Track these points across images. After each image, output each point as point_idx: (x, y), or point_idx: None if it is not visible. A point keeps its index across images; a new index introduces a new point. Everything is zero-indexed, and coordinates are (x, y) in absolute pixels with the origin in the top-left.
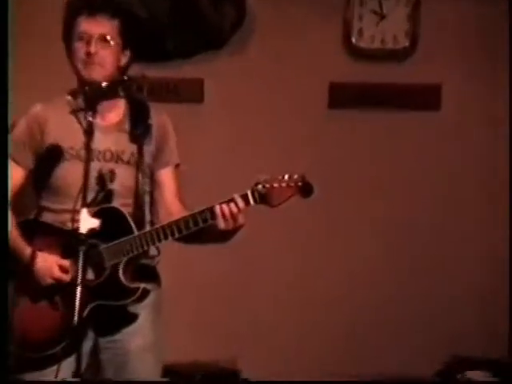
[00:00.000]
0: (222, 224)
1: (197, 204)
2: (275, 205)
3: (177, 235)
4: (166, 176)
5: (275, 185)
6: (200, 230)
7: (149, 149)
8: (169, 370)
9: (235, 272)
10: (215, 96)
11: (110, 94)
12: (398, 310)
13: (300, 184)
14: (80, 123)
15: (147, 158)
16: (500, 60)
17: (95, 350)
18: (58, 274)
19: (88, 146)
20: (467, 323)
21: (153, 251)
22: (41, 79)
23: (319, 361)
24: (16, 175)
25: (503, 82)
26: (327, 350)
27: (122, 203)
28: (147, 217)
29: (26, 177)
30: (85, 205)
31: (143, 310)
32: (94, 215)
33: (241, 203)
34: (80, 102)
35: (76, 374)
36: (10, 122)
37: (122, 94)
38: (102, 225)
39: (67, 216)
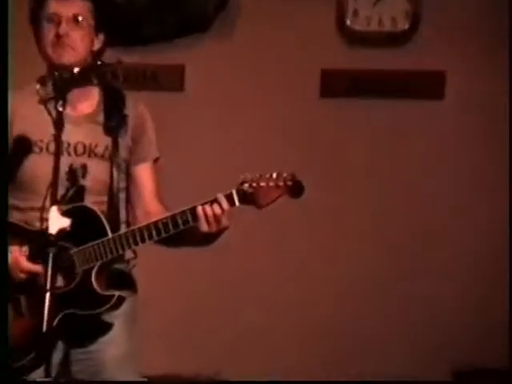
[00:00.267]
0: (204, 226)
1: (177, 204)
2: (263, 205)
3: (155, 238)
4: (143, 172)
5: (262, 184)
6: (181, 232)
7: (124, 142)
8: None
9: (219, 277)
10: (197, 84)
11: (82, 80)
12: (398, 310)
13: (290, 183)
14: (49, 113)
15: (123, 152)
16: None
17: (66, 362)
18: (25, 264)
19: (58, 139)
20: (467, 324)
21: (128, 254)
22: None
23: (309, 372)
24: None
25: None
26: (317, 358)
27: (94, 201)
28: (122, 216)
29: None
30: (54, 202)
31: (118, 319)
32: (65, 214)
33: (225, 204)
34: (49, 89)
35: None
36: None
37: (95, 81)
38: (73, 225)
39: (35, 214)
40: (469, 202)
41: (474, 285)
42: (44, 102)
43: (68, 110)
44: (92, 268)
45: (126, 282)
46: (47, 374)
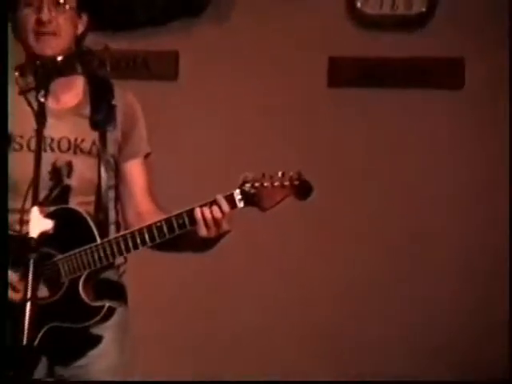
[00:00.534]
0: (203, 231)
1: (171, 206)
2: (267, 208)
3: (149, 243)
4: (134, 169)
5: (266, 184)
6: (176, 236)
7: (113, 136)
8: None
9: (217, 278)
10: (192, 72)
11: (65, 69)
12: (397, 311)
13: (296, 183)
14: (30, 106)
15: (111, 148)
16: None
17: (50, 376)
18: None
19: (40, 134)
20: (466, 325)
21: (119, 259)
22: None
23: (308, 372)
24: None
25: None
26: (315, 358)
27: (81, 202)
28: (111, 218)
29: None
30: (36, 203)
31: (108, 330)
32: (47, 216)
33: (225, 206)
34: (30, 79)
35: None
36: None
37: (79, 69)
38: (57, 229)
39: (15, 217)
40: (469, 202)
41: (473, 286)
42: (24, 93)
43: (51, 102)
44: (79, 277)
45: (116, 290)
46: None
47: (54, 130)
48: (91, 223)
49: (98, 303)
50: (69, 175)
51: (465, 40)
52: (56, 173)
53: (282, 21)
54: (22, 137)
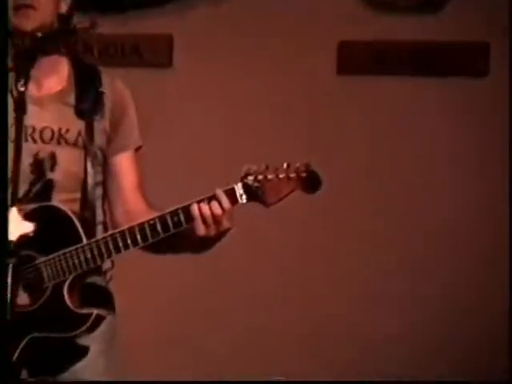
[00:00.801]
0: (201, 229)
1: (165, 202)
2: (271, 203)
3: (141, 244)
4: (123, 163)
5: (270, 176)
6: (171, 236)
7: (101, 126)
8: None
9: (217, 283)
10: (188, 58)
11: (46, 47)
12: (398, 310)
13: (304, 175)
14: (10, 92)
15: (99, 139)
16: None
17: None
18: None
19: (19, 123)
20: (468, 324)
21: (106, 264)
22: None
23: (308, 372)
24: None
25: None
26: (316, 358)
27: (65, 199)
28: (99, 217)
29: None
30: (15, 200)
31: (94, 340)
32: (28, 216)
33: (226, 201)
34: (8, 62)
35: None
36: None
37: (63, 50)
38: (39, 229)
39: None
40: (469, 202)
41: (474, 284)
42: None
43: (32, 88)
44: (64, 282)
45: (104, 297)
46: None
47: (36, 118)
48: (76, 222)
49: (85, 310)
50: (52, 168)
51: (490, 23)
52: (38, 166)
53: (287, 3)
54: None
